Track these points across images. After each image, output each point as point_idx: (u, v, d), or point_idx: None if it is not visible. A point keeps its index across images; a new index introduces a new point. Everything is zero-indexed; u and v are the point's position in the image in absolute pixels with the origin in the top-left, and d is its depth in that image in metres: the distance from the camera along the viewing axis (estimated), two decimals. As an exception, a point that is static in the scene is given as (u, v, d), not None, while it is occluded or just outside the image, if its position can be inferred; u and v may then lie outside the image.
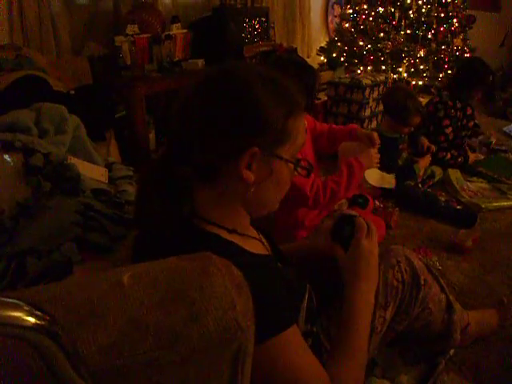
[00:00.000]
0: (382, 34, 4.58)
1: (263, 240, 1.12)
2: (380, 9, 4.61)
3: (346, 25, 4.94)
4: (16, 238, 1.47)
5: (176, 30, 3.53)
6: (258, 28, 4.05)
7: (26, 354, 0.52)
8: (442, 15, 4.53)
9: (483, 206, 2.88)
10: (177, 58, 3.50)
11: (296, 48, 4.63)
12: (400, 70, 4.53)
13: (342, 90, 3.81)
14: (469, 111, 3.46)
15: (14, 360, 0.53)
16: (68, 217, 1.54)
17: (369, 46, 4.65)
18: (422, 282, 1.36)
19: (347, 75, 4.16)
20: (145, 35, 3.28)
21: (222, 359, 0.65)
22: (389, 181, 2.62)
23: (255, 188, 0.92)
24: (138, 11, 3.45)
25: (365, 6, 4.73)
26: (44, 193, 1.61)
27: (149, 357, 0.57)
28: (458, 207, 2.87)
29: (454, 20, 4.60)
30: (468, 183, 3.21)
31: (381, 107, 3.65)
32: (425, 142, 3.25)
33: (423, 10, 4.48)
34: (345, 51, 4.89)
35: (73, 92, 2.61)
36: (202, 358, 0.62)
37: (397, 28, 4.55)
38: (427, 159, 3.23)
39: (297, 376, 0.85)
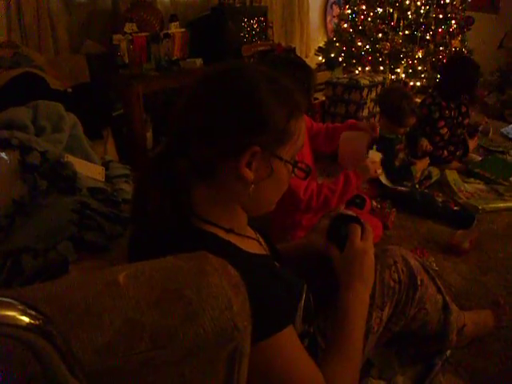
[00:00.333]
0: (380, 35, 4.57)
1: (260, 240, 1.12)
2: (378, 9, 4.60)
3: (345, 25, 4.93)
4: (12, 236, 1.47)
5: (174, 28, 3.53)
6: (257, 27, 4.05)
7: (20, 354, 0.52)
8: (441, 16, 4.53)
9: (480, 207, 2.87)
10: (175, 57, 3.49)
11: (294, 48, 4.63)
12: (398, 70, 4.53)
13: (339, 91, 3.81)
14: (463, 109, 3.48)
15: (8, 360, 0.53)
16: (64, 215, 1.53)
17: (367, 46, 4.65)
18: (419, 283, 1.36)
19: (345, 75, 4.16)
20: (143, 34, 3.28)
21: (219, 359, 0.64)
22: None
23: (253, 187, 0.92)
24: (137, 10, 3.44)
25: (363, 7, 4.73)
26: (40, 191, 1.60)
27: (144, 357, 0.57)
28: (455, 208, 2.87)
29: (453, 21, 4.60)
30: (465, 184, 3.21)
31: (378, 108, 3.66)
32: (425, 143, 3.25)
33: (422, 11, 4.48)
34: (343, 51, 4.88)
35: (70, 90, 2.60)
36: (198, 358, 0.62)
37: (395, 29, 4.55)
38: (425, 162, 3.24)
39: (292, 376, 0.85)
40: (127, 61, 3.21)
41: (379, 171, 2.02)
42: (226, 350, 0.64)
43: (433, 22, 4.51)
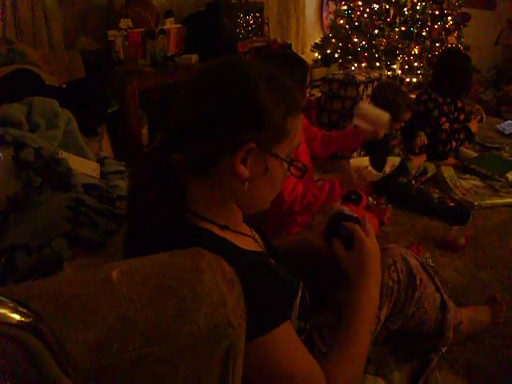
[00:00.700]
0: (376, 31, 4.57)
1: (256, 237, 1.11)
2: (375, 6, 4.61)
3: (341, 21, 4.93)
4: (6, 233, 1.46)
5: (170, 24, 3.51)
6: (252, 23, 4.03)
7: (11, 352, 0.51)
8: (437, 13, 4.54)
9: (476, 203, 2.88)
10: (170, 53, 3.48)
11: (290, 44, 4.61)
12: (394, 66, 4.54)
13: (335, 87, 3.80)
14: (459, 104, 3.48)
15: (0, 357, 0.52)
16: (59, 212, 1.52)
17: (363, 42, 4.65)
18: (418, 282, 1.36)
19: (341, 71, 4.16)
20: (138, 29, 3.26)
21: (213, 356, 0.64)
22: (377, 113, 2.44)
23: (248, 185, 0.91)
24: (132, 5, 3.42)
25: (359, 3, 4.73)
26: (34, 187, 1.59)
27: (138, 354, 0.57)
28: (451, 204, 2.88)
29: (449, 18, 4.60)
30: (461, 180, 3.22)
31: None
32: (422, 137, 3.25)
33: (418, 8, 4.48)
34: (339, 48, 4.88)
35: (65, 86, 2.59)
36: (192, 356, 0.62)
37: (391, 25, 4.55)
38: (421, 158, 3.24)
39: (290, 372, 0.86)
40: (122, 57, 3.19)
41: (368, 177, 1.96)
42: (221, 347, 0.63)
43: (429, 19, 4.52)
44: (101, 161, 2.09)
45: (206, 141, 0.89)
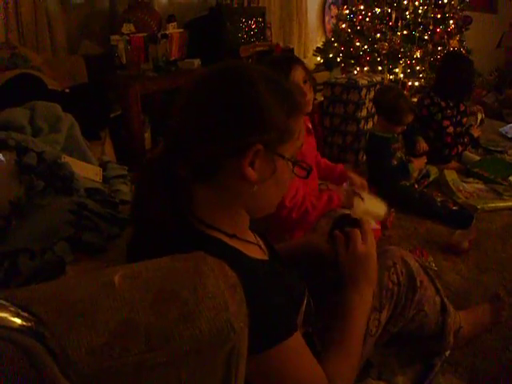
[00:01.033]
0: (378, 35, 4.57)
1: (260, 243, 1.11)
2: (377, 9, 4.61)
3: (343, 25, 4.94)
4: (9, 237, 1.45)
5: (172, 29, 3.52)
6: (255, 28, 4.04)
7: (12, 356, 0.51)
8: (439, 16, 4.54)
9: (479, 206, 2.87)
10: (173, 58, 3.48)
11: (293, 48, 4.63)
12: (396, 70, 4.54)
13: (338, 91, 3.80)
14: (462, 107, 3.48)
15: (1, 361, 0.52)
16: (61, 216, 1.52)
17: (365, 46, 4.65)
18: (418, 284, 1.36)
19: (343, 76, 4.16)
20: (141, 34, 3.27)
21: (215, 361, 0.64)
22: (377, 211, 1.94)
23: (257, 188, 0.92)
24: (134, 10, 3.43)
25: (361, 7, 4.73)
26: (37, 192, 1.59)
27: (140, 358, 0.56)
28: (454, 208, 2.87)
29: (451, 21, 4.60)
30: (464, 184, 3.21)
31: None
32: (422, 143, 3.25)
33: (420, 11, 4.48)
34: (341, 52, 4.89)
35: (68, 91, 2.60)
36: (194, 360, 0.61)
37: (393, 29, 4.55)
38: (422, 160, 3.23)
39: (298, 378, 0.87)
40: (125, 61, 3.20)
41: (373, 222, 1.87)
42: (223, 351, 0.63)
43: (431, 22, 4.52)
44: (103, 165, 2.09)
45: (212, 145, 0.89)
